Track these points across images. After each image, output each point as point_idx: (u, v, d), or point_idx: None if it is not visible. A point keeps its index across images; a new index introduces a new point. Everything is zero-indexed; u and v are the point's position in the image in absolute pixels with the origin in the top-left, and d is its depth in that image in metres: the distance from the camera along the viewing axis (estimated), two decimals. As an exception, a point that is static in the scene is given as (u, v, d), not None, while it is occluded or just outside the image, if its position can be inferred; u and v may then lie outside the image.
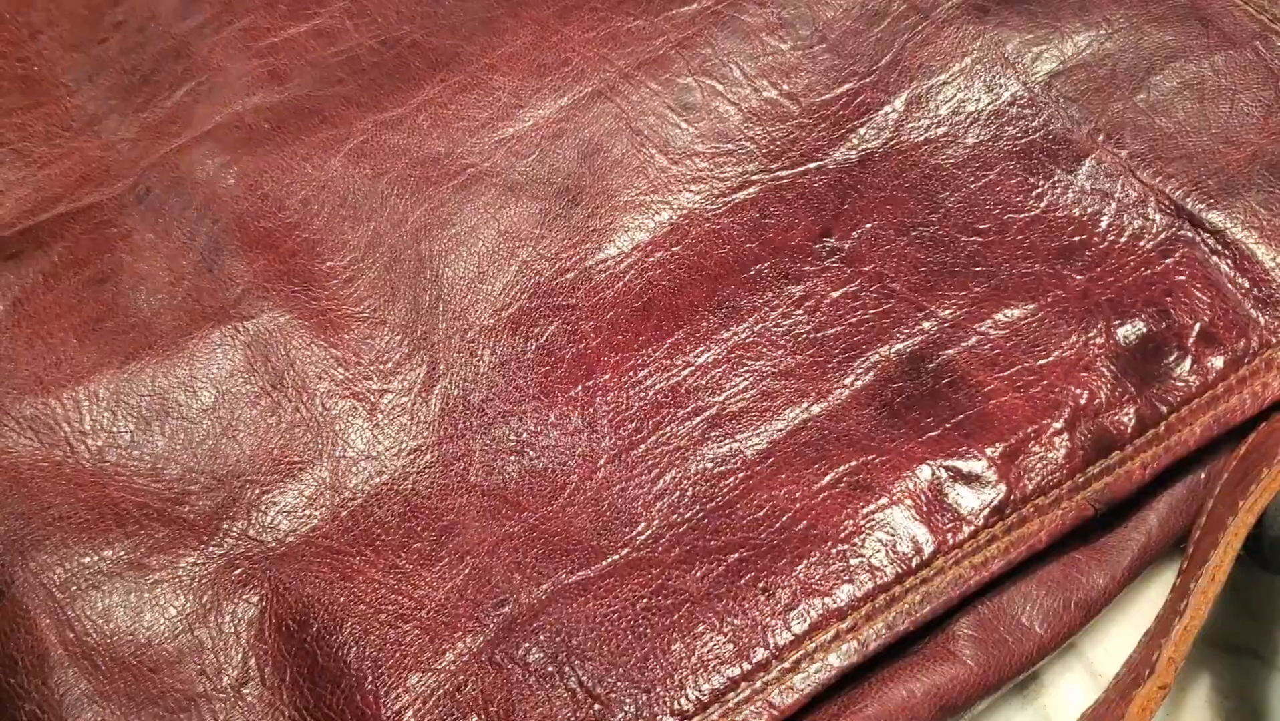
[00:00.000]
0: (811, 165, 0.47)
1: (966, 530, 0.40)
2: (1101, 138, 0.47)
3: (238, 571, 0.40)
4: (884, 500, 0.41)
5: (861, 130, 0.48)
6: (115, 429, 0.42)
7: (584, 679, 0.38)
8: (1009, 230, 0.46)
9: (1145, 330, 0.43)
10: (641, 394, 0.43)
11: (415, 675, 0.39)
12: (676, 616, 0.39)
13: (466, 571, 0.40)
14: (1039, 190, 0.46)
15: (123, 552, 0.40)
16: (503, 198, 0.46)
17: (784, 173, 0.46)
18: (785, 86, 0.49)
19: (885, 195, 0.46)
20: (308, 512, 0.41)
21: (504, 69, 0.49)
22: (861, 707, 0.39)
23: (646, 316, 0.44)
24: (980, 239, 0.46)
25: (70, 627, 0.39)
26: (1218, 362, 0.43)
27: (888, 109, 0.48)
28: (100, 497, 0.41)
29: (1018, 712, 0.42)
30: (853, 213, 0.46)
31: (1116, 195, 0.46)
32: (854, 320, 0.44)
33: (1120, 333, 0.43)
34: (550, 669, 0.39)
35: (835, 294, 0.45)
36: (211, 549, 0.41)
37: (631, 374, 0.43)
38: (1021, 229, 0.46)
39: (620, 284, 0.44)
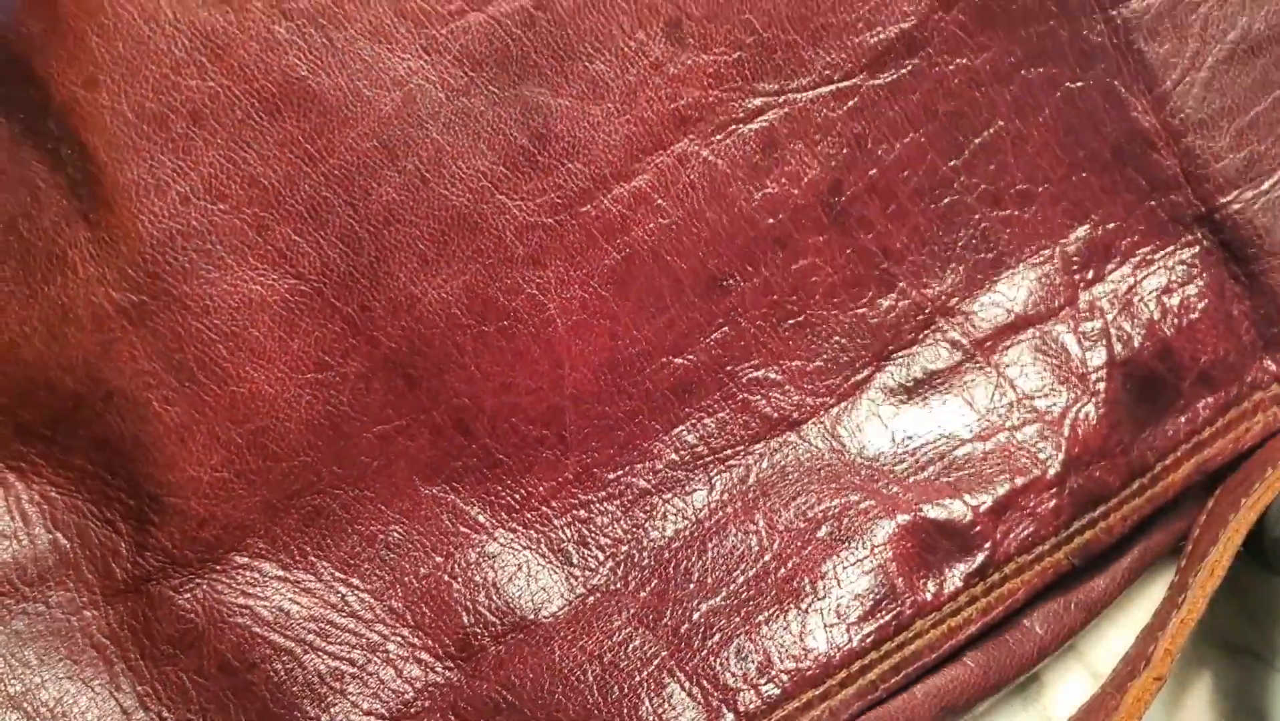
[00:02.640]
0: (836, 85, 0.39)
1: (947, 591, 0.38)
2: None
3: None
4: (865, 553, 0.38)
5: (893, 41, 0.39)
6: None
7: None
8: (1031, 205, 0.39)
9: (1148, 370, 0.39)
10: (612, 400, 0.37)
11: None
12: (645, 674, 0.36)
13: (428, 604, 0.37)
14: (1080, 155, 0.40)
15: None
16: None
17: (802, 95, 0.38)
18: None
19: (907, 142, 0.39)
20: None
21: None
22: (861, 708, 0.38)
23: (624, 292, 0.37)
24: (998, 212, 0.39)
25: None
26: (1206, 407, 0.40)
27: (934, 20, 0.39)
28: None
29: (1018, 713, 0.41)
30: (867, 162, 0.39)
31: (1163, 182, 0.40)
32: (849, 317, 0.39)
33: (1123, 371, 0.39)
34: None
35: (835, 276, 0.38)
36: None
37: (605, 375, 0.37)
38: (1045, 206, 0.39)
39: (595, 247, 0.37)
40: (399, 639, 0.37)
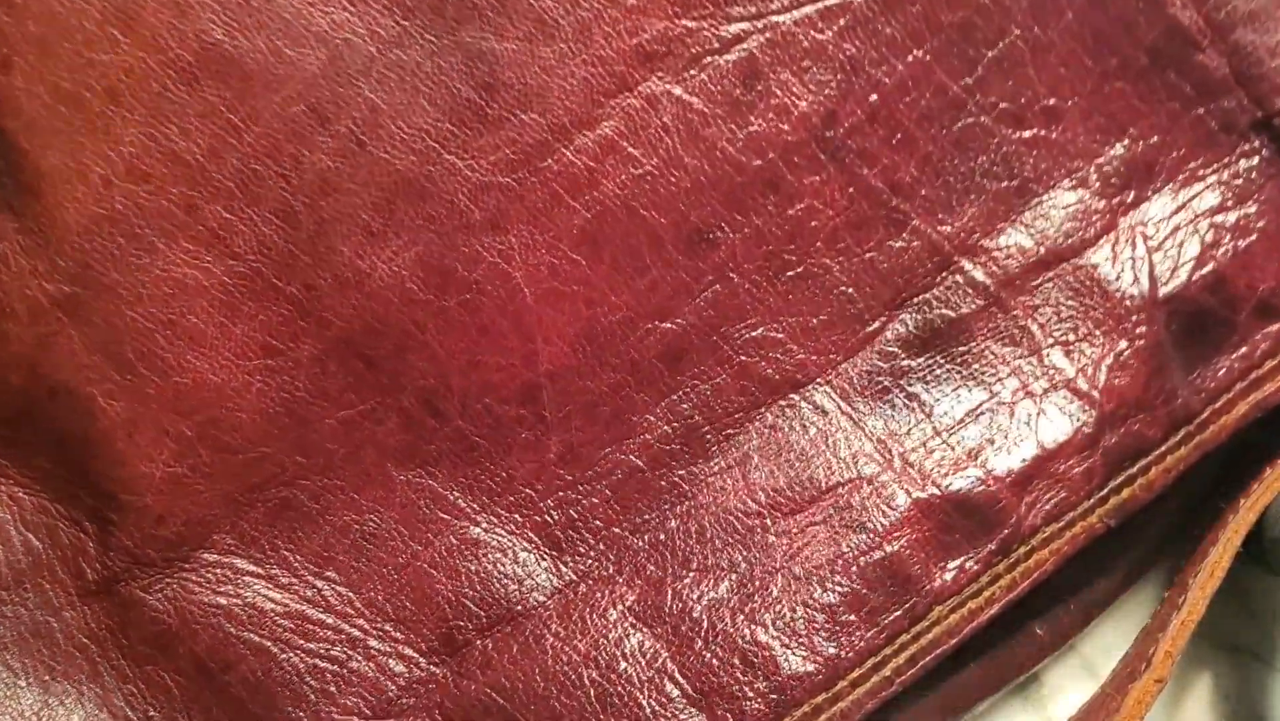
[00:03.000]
0: (823, 3, 0.34)
1: (967, 575, 0.34)
2: None
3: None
4: (878, 540, 0.34)
5: None
6: None
7: None
8: (1058, 122, 0.34)
9: (1197, 306, 0.34)
10: (593, 374, 0.34)
11: None
12: (645, 678, 0.33)
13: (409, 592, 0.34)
14: (1111, 62, 0.34)
15: None
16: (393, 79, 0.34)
17: (784, 17, 0.34)
18: None
19: (910, 61, 0.34)
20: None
21: None
22: (862, 708, 0.35)
23: (597, 254, 0.34)
24: (1021, 133, 0.34)
25: None
26: (1266, 338, 0.35)
27: None
28: None
29: (1018, 713, 0.40)
30: (864, 87, 0.34)
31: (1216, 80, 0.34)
32: (855, 264, 0.34)
33: (1168, 309, 0.34)
34: None
35: (837, 219, 0.34)
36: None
37: (583, 346, 0.34)
38: (1074, 123, 0.34)
39: (561, 206, 0.34)
40: (380, 633, 0.34)
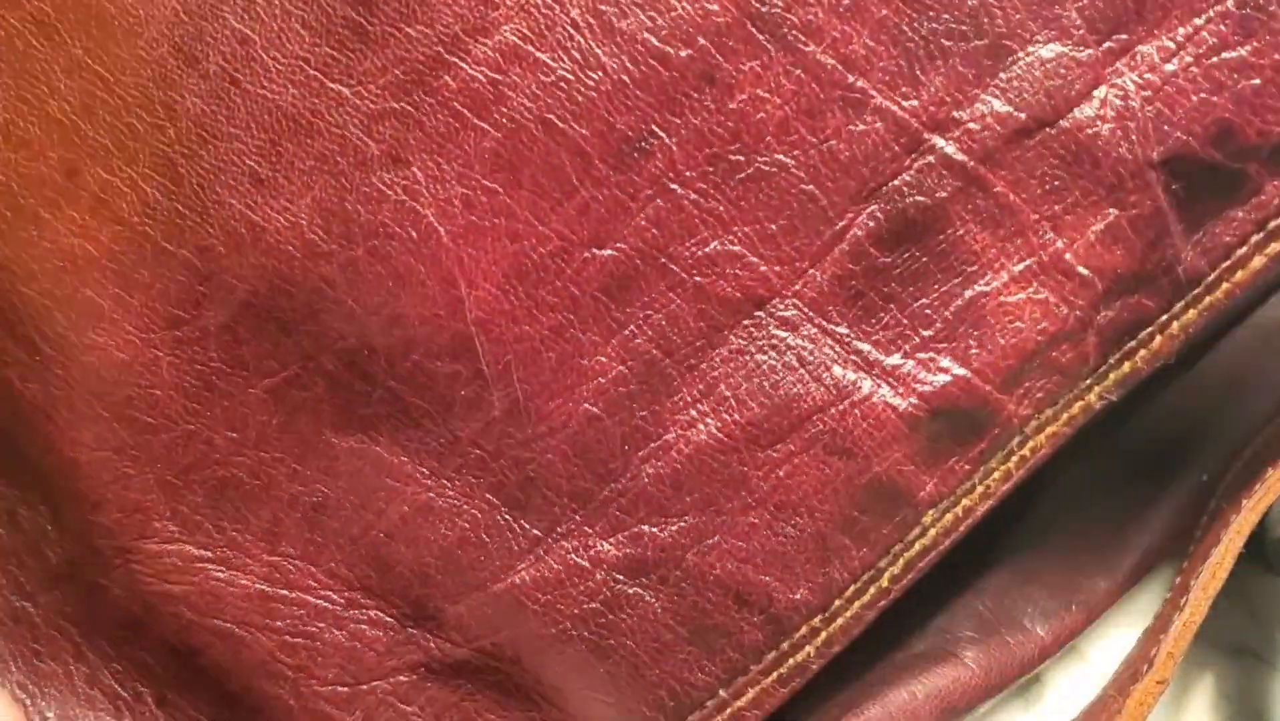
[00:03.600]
0: None
1: (959, 476, 0.32)
2: None
3: None
4: (864, 460, 0.31)
5: None
6: None
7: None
8: None
9: (1201, 162, 0.30)
10: (530, 317, 0.31)
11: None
12: (640, 630, 0.32)
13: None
14: None
15: None
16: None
17: None
18: None
19: None
20: None
21: None
22: (862, 709, 0.34)
23: (515, 180, 0.30)
24: None
25: None
26: None
27: None
28: None
29: (1019, 713, 0.40)
30: None
31: None
32: (812, 156, 0.30)
33: (1168, 169, 0.30)
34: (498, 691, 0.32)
35: (785, 108, 0.30)
36: None
37: (514, 286, 0.31)
38: None
39: (467, 128, 0.30)
40: (347, 601, 0.32)
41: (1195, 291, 0.31)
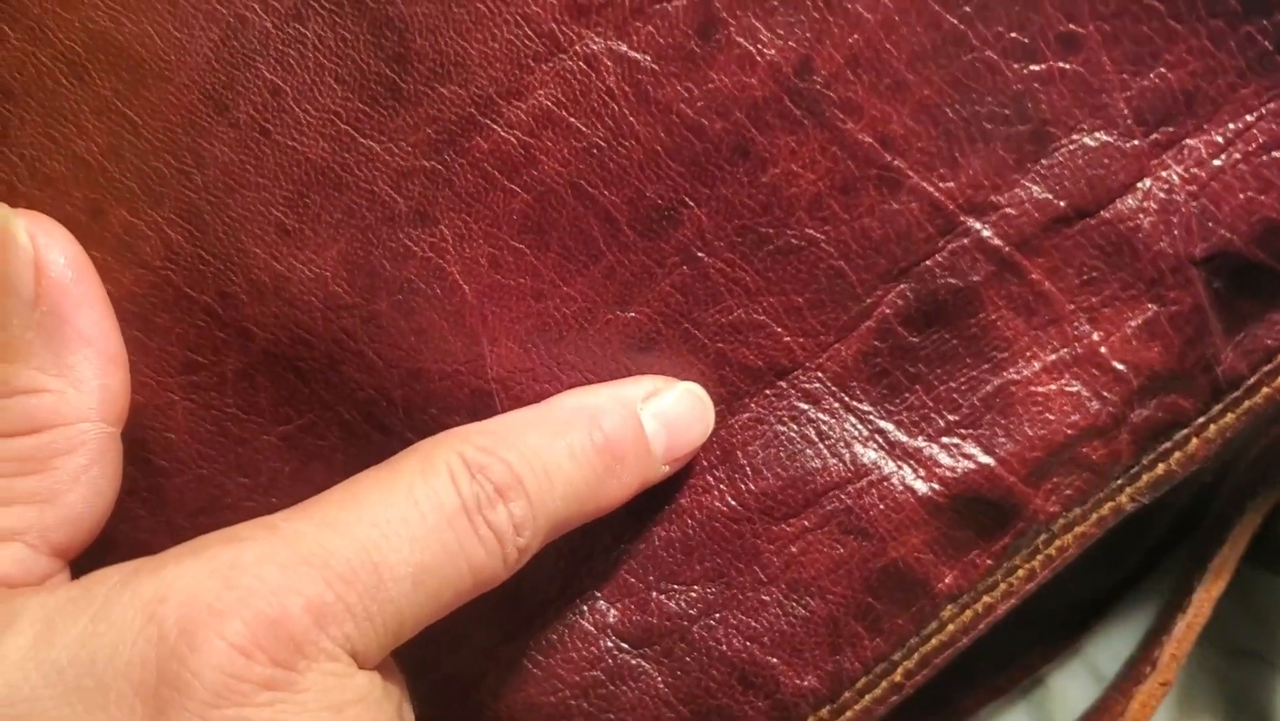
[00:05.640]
0: None
1: (980, 569, 0.31)
2: None
3: None
4: (882, 544, 0.31)
5: None
6: None
7: None
8: (1078, 51, 0.29)
9: (1243, 260, 0.29)
10: (550, 375, 0.30)
11: None
12: (643, 700, 0.31)
13: None
14: None
15: None
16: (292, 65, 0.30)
17: None
18: None
19: None
20: None
21: None
22: None
23: (543, 241, 0.30)
24: (1033, 66, 0.29)
25: None
26: None
27: None
28: None
29: (1022, 715, 0.40)
30: (843, 25, 0.29)
31: None
32: (844, 232, 0.30)
33: (1209, 267, 0.30)
34: None
35: (819, 184, 0.30)
36: None
37: (535, 345, 0.30)
38: (1098, 50, 0.29)
39: (496, 189, 0.30)
40: None
41: (1234, 395, 0.30)
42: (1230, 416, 0.30)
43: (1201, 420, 0.30)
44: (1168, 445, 0.30)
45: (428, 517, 0.26)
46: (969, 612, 0.31)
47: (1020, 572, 0.31)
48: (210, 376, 0.30)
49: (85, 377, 0.27)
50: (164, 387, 0.30)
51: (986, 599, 0.31)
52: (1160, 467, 0.30)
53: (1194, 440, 0.30)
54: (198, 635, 0.24)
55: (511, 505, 0.27)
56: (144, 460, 0.31)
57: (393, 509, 0.26)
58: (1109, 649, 0.40)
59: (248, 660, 0.24)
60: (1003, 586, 0.31)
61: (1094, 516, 0.31)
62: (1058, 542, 0.31)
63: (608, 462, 0.29)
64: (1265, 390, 0.30)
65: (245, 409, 0.31)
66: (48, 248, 0.27)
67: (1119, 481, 0.30)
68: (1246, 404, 0.30)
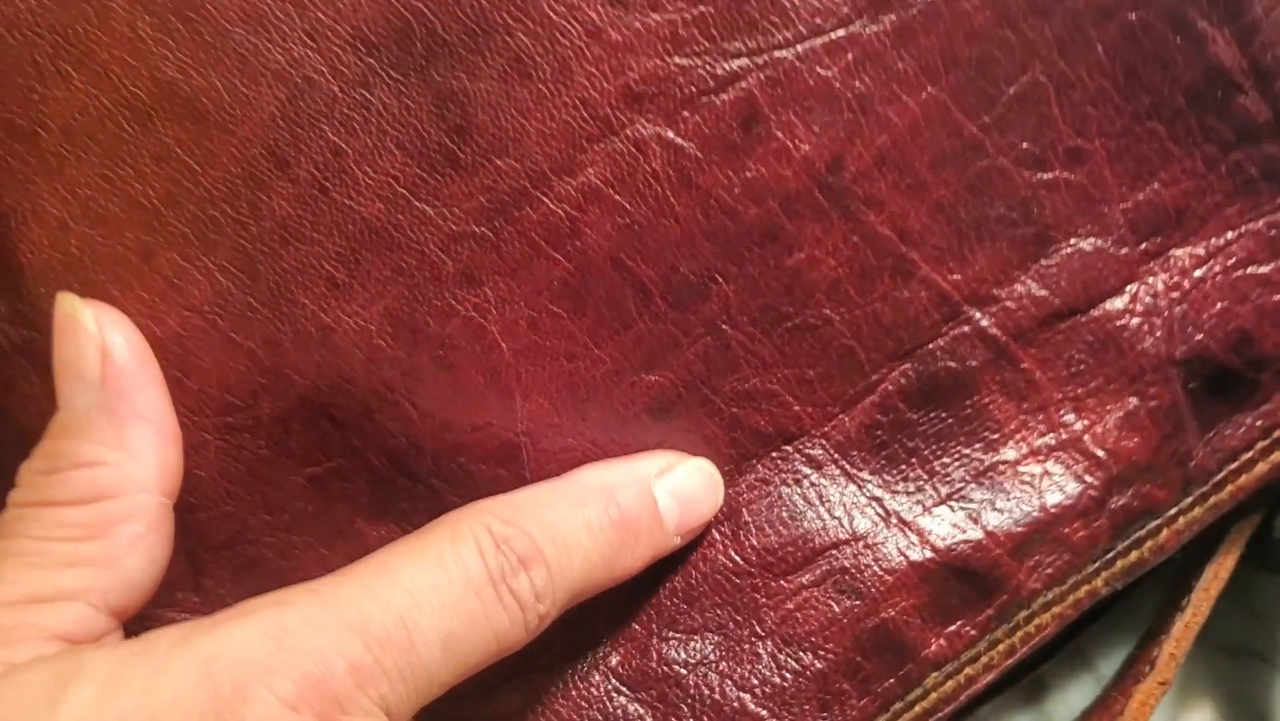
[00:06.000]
0: (829, 36, 0.31)
1: (964, 641, 0.33)
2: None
3: None
4: (871, 605, 0.33)
5: None
6: None
7: None
8: (1083, 164, 0.32)
9: (1218, 365, 0.32)
10: (576, 430, 0.32)
11: None
12: None
13: None
14: (1145, 101, 0.31)
15: None
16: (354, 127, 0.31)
17: (787, 52, 0.31)
18: None
19: (924, 99, 0.31)
20: None
21: None
22: None
23: (580, 308, 0.31)
24: (1042, 175, 0.32)
25: None
26: None
27: None
28: None
29: (1020, 713, 0.41)
30: (873, 128, 0.31)
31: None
32: (857, 315, 0.32)
33: (1187, 368, 0.32)
34: None
35: (839, 269, 0.32)
36: None
37: (564, 402, 0.32)
38: (1101, 165, 0.32)
39: (541, 257, 0.31)
40: None
41: (1203, 489, 0.33)
42: (1199, 510, 0.33)
43: (1173, 511, 0.33)
44: (1142, 533, 0.33)
45: (456, 586, 0.28)
46: (951, 682, 0.33)
47: (1001, 647, 0.33)
48: (245, 419, 0.31)
49: (143, 452, 0.29)
50: (198, 427, 0.31)
51: (969, 670, 0.33)
52: (1134, 555, 0.33)
53: (1165, 530, 0.33)
54: (251, 691, 0.25)
55: (533, 574, 0.29)
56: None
57: (423, 577, 0.28)
58: (1108, 648, 0.40)
59: (296, 714, 0.25)
60: (984, 659, 0.33)
61: (1071, 598, 0.33)
62: (1037, 620, 0.33)
63: (623, 536, 0.31)
64: (1230, 487, 0.33)
65: (276, 451, 0.32)
66: (112, 334, 0.29)
67: (1095, 565, 0.33)
68: (1213, 499, 0.33)
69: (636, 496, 0.31)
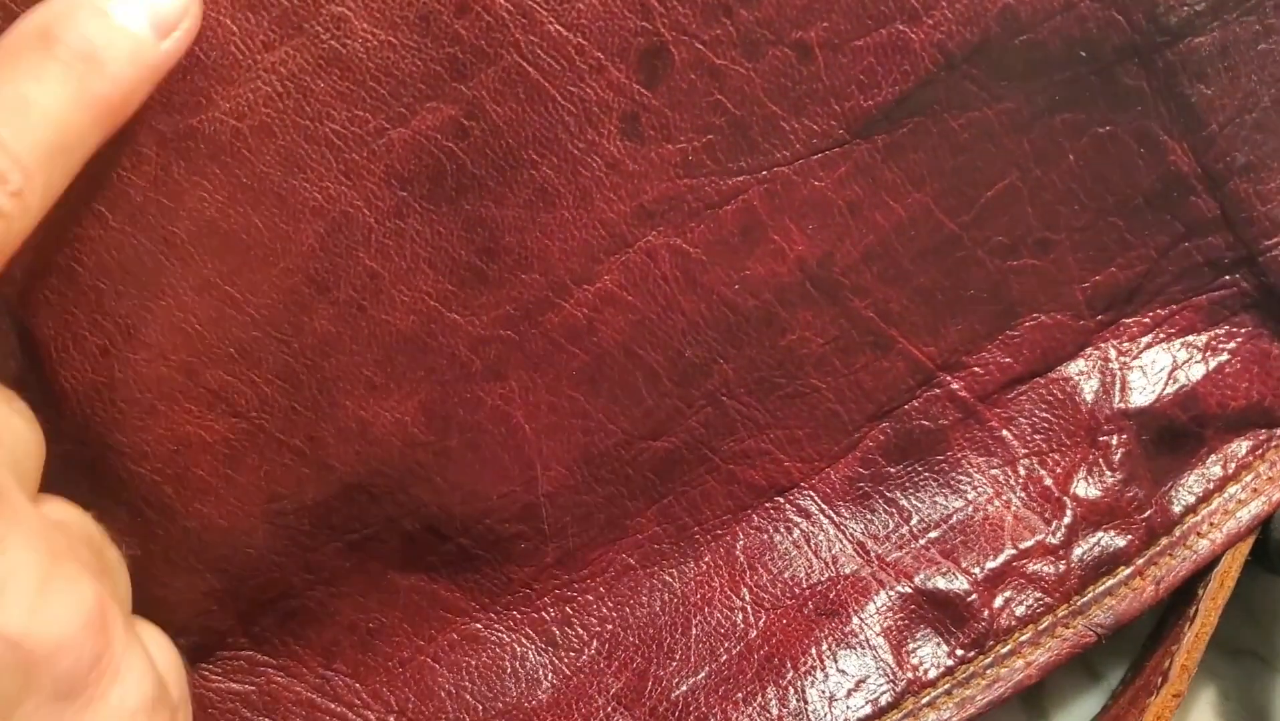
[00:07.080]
0: (825, 153, 0.34)
1: (942, 667, 0.36)
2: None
3: None
4: (853, 628, 0.36)
5: (891, 104, 0.33)
6: None
7: None
8: (1049, 252, 0.35)
9: (1168, 420, 0.36)
10: (589, 489, 0.35)
11: None
12: None
13: None
14: (1108, 201, 0.35)
15: None
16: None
17: (785, 168, 0.33)
18: (802, 32, 0.33)
19: (909, 203, 0.34)
20: None
21: None
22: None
23: (595, 391, 0.34)
24: (1012, 262, 0.35)
25: None
26: (1237, 453, 0.37)
27: (938, 57, 0.33)
28: None
29: (1019, 714, 0.41)
30: (862, 229, 0.34)
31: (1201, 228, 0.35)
32: (841, 384, 0.36)
33: (1138, 422, 0.36)
34: None
35: (826, 346, 0.35)
36: None
37: (580, 469, 0.35)
38: (1065, 253, 0.35)
39: (560, 352, 0.34)
40: None
41: (1169, 538, 0.36)
42: (1171, 560, 0.36)
43: (1141, 561, 0.36)
44: (1112, 581, 0.37)
45: None
46: (932, 712, 0.36)
47: (984, 678, 0.36)
48: (291, 505, 0.34)
49: None
50: (247, 515, 0.34)
51: (948, 700, 0.36)
52: (1110, 602, 0.36)
53: (1138, 579, 0.36)
54: None
55: None
56: (222, 570, 0.34)
57: None
58: (1106, 648, 0.39)
59: None
60: (967, 690, 0.36)
61: (1050, 642, 0.36)
62: (1025, 656, 0.36)
63: (79, 67, 0.27)
64: (1205, 541, 0.36)
65: (317, 525, 0.35)
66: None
67: (1071, 606, 0.36)
68: (1183, 552, 0.36)
69: (78, 20, 0.27)
